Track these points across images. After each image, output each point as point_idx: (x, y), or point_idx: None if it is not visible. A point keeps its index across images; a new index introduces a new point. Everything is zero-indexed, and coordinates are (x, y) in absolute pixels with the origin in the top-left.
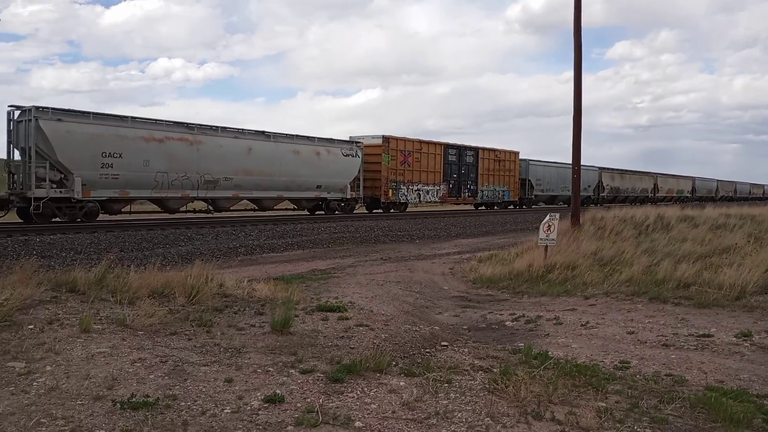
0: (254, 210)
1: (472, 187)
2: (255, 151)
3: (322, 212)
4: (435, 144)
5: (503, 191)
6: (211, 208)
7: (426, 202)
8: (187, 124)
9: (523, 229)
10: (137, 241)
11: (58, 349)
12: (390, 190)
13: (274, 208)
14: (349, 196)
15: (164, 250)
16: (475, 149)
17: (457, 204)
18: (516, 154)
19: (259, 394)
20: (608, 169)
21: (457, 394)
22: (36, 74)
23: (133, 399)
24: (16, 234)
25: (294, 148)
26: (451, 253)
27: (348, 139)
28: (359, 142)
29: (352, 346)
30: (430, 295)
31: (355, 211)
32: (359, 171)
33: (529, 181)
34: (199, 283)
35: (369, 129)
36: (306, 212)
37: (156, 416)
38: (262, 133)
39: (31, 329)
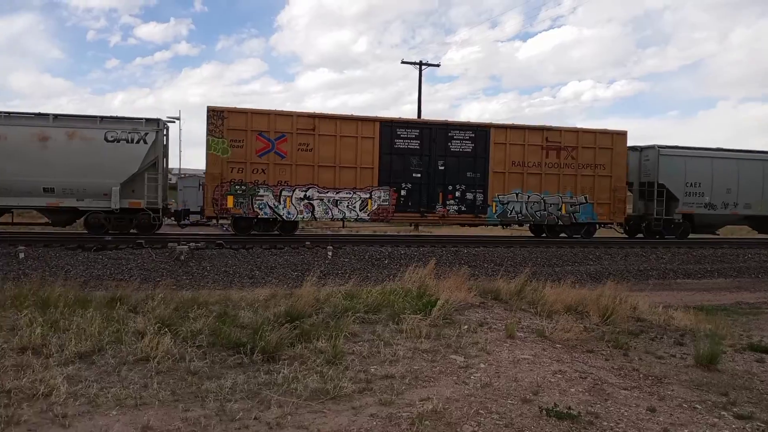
0: None
1: (469, 196)
2: None
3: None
4: (356, 120)
5: (573, 204)
6: None
7: (336, 218)
8: None
9: None
10: (547, 258)
11: (488, 350)
12: (229, 198)
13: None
14: (117, 207)
15: (573, 268)
16: (482, 128)
17: (426, 222)
18: (617, 136)
19: (686, 430)
20: None
21: None
22: (464, 108)
23: (557, 408)
24: (449, 245)
25: None
26: None
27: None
28: (158, 120)
29: None
30: None
31: (159, 231)
32: (144, 166)
33: (664, 187)
34: (612, 304)
35: None
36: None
37: (579, 430)
38: None
39: (466, 329)
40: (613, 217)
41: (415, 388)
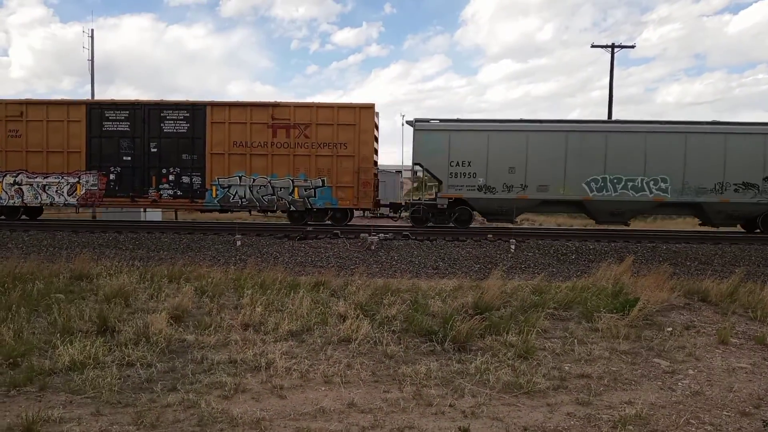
0: None
1: (185, 179)
2: None
3: None
4: (65, 105)
5: (308, 188)
6: None
7: (45, 203)
8: None
9: None
10: (764, 256)
11: (698, 355)
12: None
13: None
14: None
15: None
16: (198, 107)
17: (138, 207)
18: (362, 110)
19: None
20: None
21: None
22: (662, 91)
23: None
24: (644, 241)
25: None
26: None
27: None
28: None
29: None
30: None
31: None
32: None
33: (422, 166)
34: None
35: None
36: None
37: None
38: None
39: (670, 332)
40: (358, 202)
41: (614, 390)
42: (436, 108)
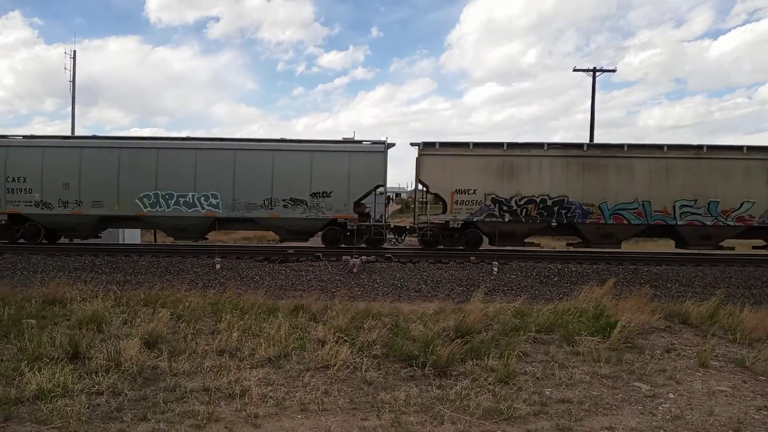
0: None
1: None
2: None
3: None
4: None
5: None
6: None
7: None
8: None
9: None
10: (744, 278)
11: (678, 379)
12: None
13: None
14: None
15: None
16: None
17: None
18: None
19: None
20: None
21: None
22: (643, 115)
23: None
24: (626, 263)
25: None
26: None
27: None
28: None
29: None
30: None
31: None
32: None
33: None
34: None
35: None
36: None
37: None
38: None
39: (651, 355)
40: None
41: (595, 415)
42: (422, 131)
